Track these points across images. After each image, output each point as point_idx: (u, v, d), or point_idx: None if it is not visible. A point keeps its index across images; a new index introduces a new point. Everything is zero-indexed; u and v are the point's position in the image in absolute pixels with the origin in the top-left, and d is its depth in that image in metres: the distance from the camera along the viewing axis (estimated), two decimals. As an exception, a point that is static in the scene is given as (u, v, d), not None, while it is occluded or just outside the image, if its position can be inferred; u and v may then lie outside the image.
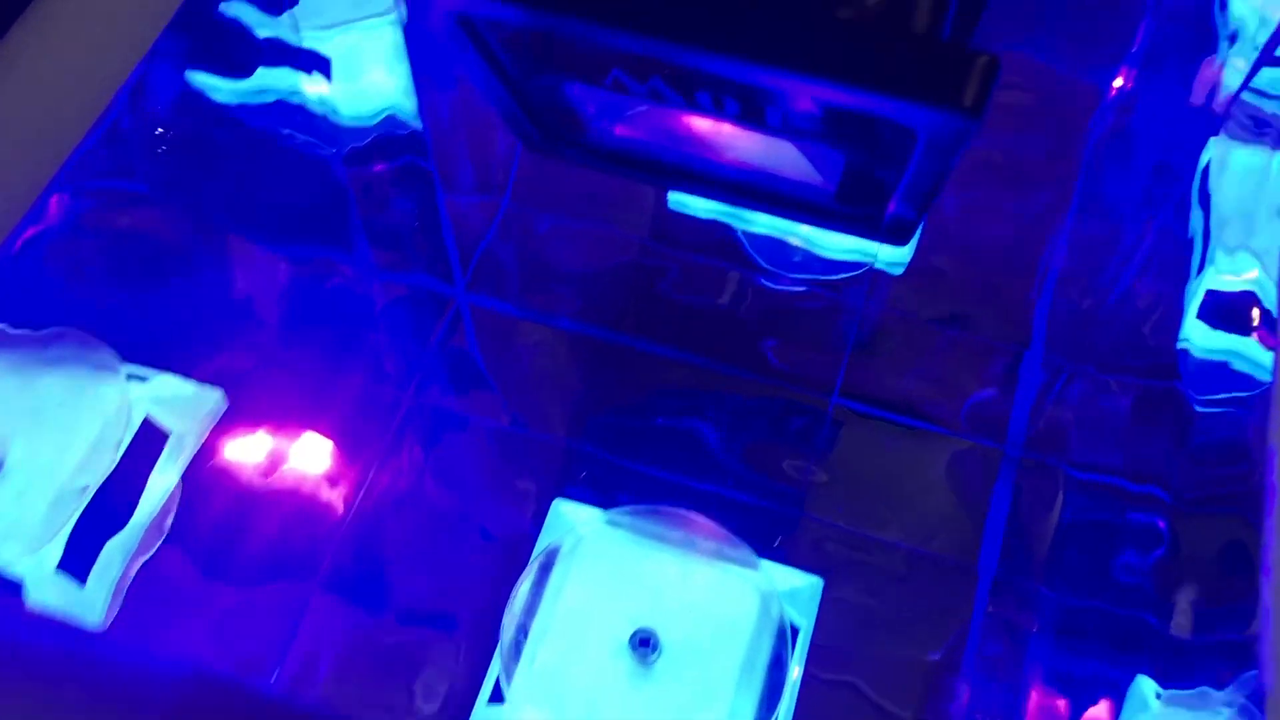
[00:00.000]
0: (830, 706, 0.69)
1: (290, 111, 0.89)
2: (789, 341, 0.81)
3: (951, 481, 0.77)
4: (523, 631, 0.67)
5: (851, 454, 0.79)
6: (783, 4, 0.36)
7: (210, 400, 0.77)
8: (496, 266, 0.85)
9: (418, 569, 0.75)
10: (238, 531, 0.75)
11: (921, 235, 0.78)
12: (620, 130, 0.53)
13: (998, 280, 0.82)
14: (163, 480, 0.73)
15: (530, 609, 0.67)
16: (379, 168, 0.85)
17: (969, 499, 0.76)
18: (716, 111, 0.47)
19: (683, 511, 0.70)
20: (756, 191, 0.52)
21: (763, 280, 0.83)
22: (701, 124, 0.50)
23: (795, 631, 0.69)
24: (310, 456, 0.78)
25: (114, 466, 0.71)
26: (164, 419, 0.74)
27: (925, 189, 0.44)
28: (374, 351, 0.83)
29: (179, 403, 0.75)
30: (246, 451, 0.78)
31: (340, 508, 0.76)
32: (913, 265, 0.81)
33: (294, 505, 0.76)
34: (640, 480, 0.77)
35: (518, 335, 0.84)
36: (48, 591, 0.66)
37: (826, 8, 0.36)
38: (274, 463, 0.78)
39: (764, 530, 0.76)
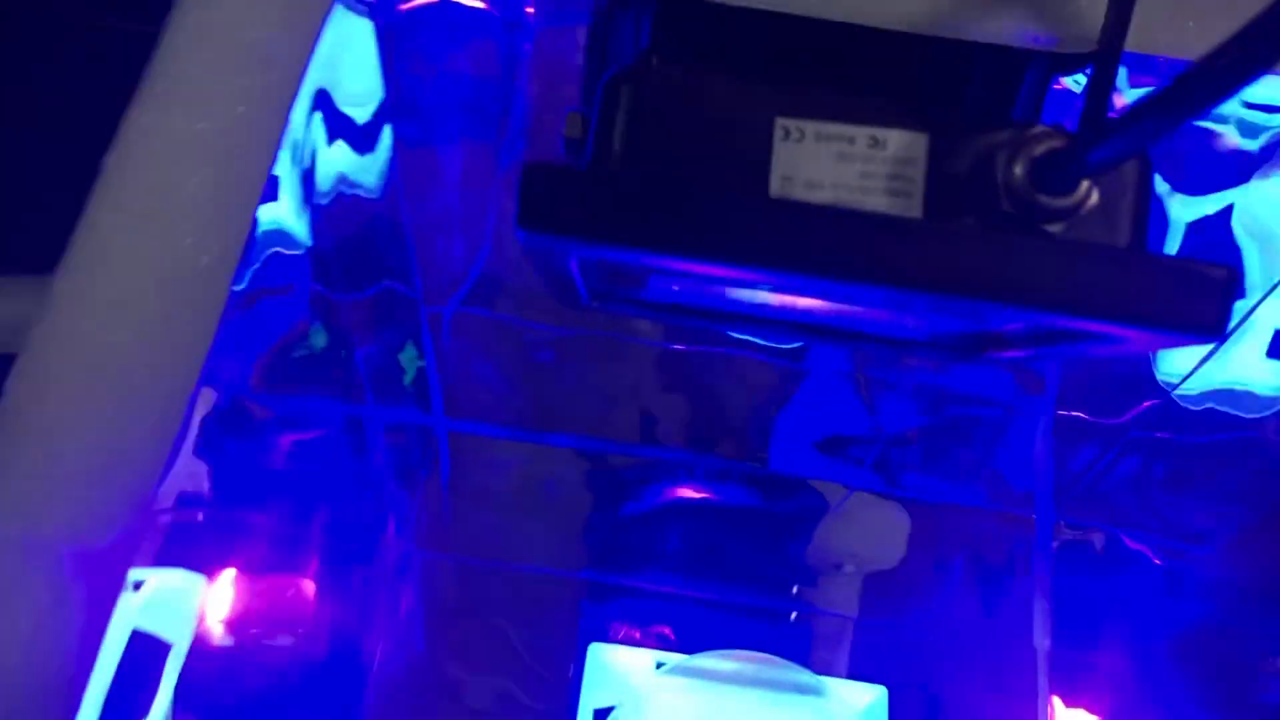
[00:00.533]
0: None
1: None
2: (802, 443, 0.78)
3: (985, 555, 0.76)
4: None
5: (867, 538, 0.77)
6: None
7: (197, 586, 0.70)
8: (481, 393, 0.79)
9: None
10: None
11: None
12: (678, 286, 0.49)
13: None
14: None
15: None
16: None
17: (1003, 569, 0.75)
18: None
19: (739, 652, 0.67)
20: (841, 331, 0.49)
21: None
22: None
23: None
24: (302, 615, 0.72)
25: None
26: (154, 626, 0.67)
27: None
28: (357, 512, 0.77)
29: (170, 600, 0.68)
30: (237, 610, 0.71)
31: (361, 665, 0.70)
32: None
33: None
34: (672, 605, 0.74)
35: (496, 472, 0.79)
36: None
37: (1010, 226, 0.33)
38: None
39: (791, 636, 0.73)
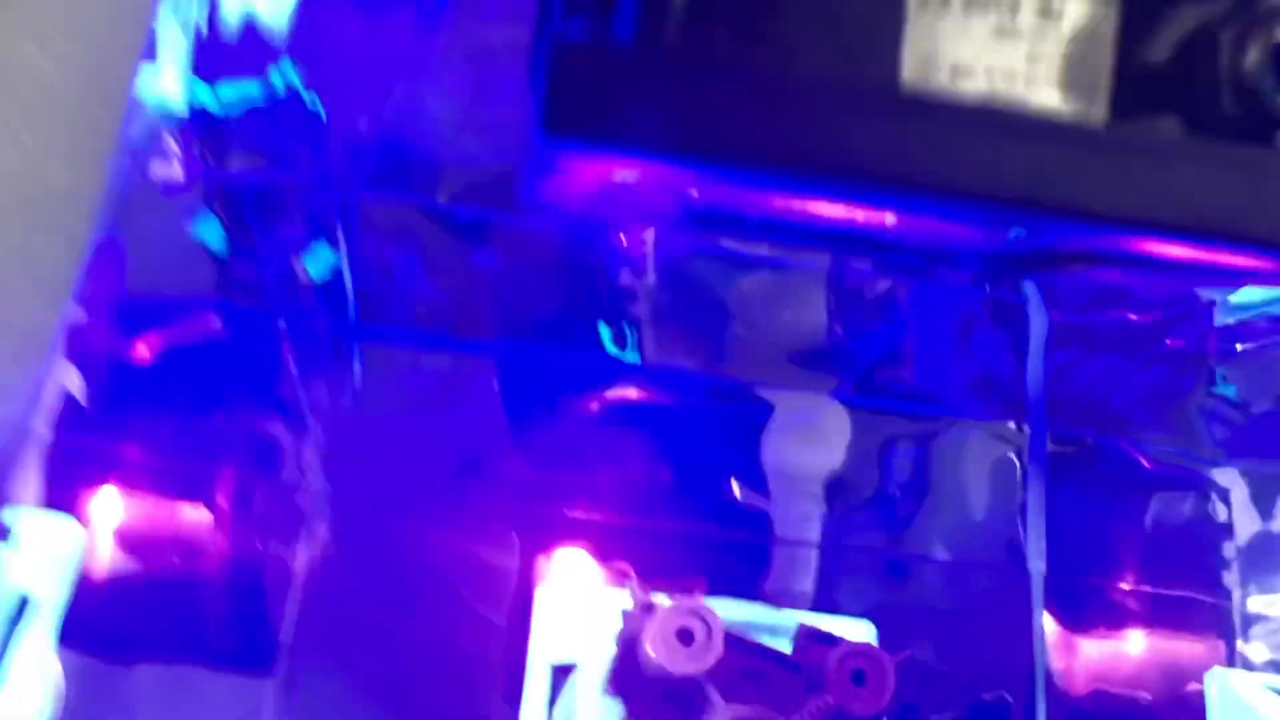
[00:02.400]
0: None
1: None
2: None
3: (966, 467, 0.70)
4: None
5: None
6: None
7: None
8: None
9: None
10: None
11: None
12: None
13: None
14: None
15: None
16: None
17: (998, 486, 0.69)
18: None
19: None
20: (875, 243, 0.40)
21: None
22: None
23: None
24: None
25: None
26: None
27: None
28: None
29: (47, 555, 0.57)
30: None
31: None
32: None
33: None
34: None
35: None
36: None
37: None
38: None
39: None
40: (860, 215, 0.33)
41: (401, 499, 0.64)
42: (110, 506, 0.63)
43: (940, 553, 0.68)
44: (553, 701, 0.53)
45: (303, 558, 0.64)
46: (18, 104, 0.36)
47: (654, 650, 0.44)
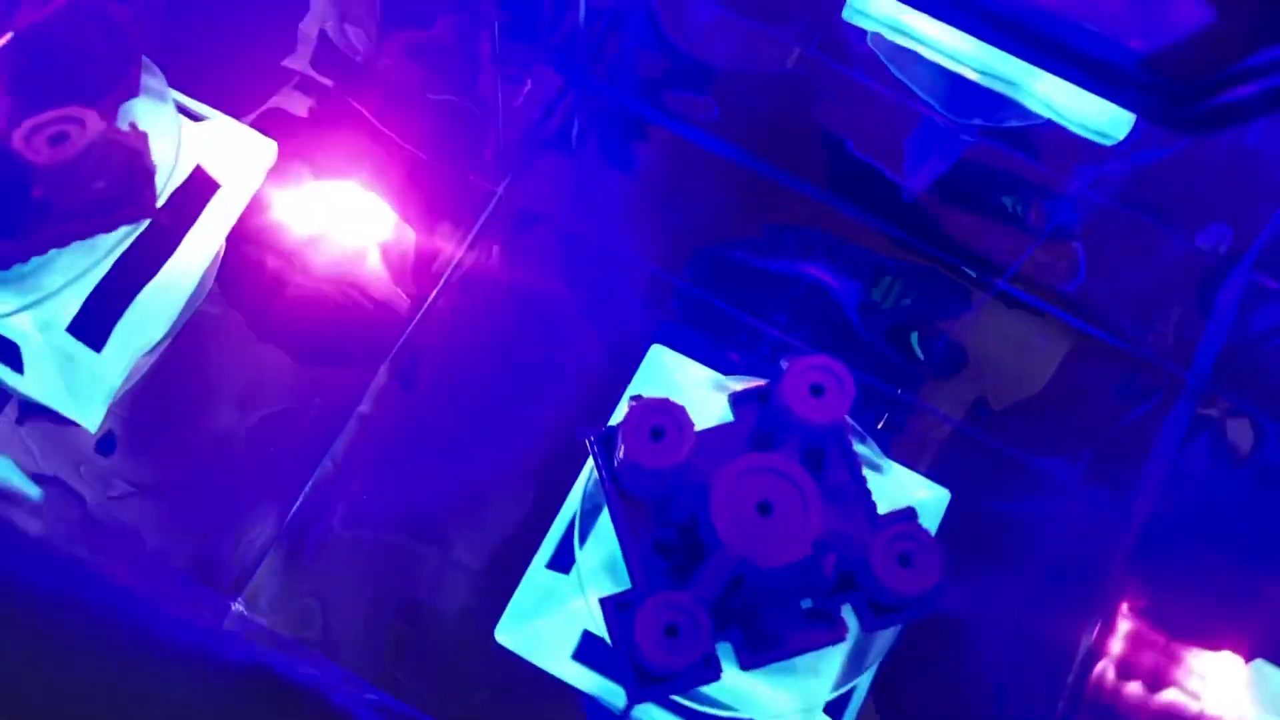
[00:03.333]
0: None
1: None
2: (962, 204, 0.67)
3: (1119, 404, 0.66)
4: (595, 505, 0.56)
5: (1004, 349, 0.67)
6: None
7: (267, 152, 0.64)
8: (629, 50, 0.71)
9: (484, 391, 0.65)
10: (286, 314, 0.65)
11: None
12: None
13: (1231, 186, 0.68)
14: (206, 242, 0.62)
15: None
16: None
17: (1133, 426, 0.65)
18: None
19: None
20: (1024, 30, 0.39)
21: (941, 124, 0.69)
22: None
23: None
24: (379, 231, 0.67)
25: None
26: (215, 169, 0.62)
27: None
28: (469, 125, 0.70)
29: (234, 151, 0.63)
30: (305, 215, 0.67)
31: (408, 300, 0.65)
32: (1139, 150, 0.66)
33: (357, 287, 0.66)
34: (747, 333, 0.66)
35: (636, 136, 0.71)
36: (47, 364, 0.55)
37: None
38: (336, 232, 0.67)
39: (876, 409, 0.65)
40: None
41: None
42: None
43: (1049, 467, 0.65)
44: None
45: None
46: None
47: (626, 446, 0.46)
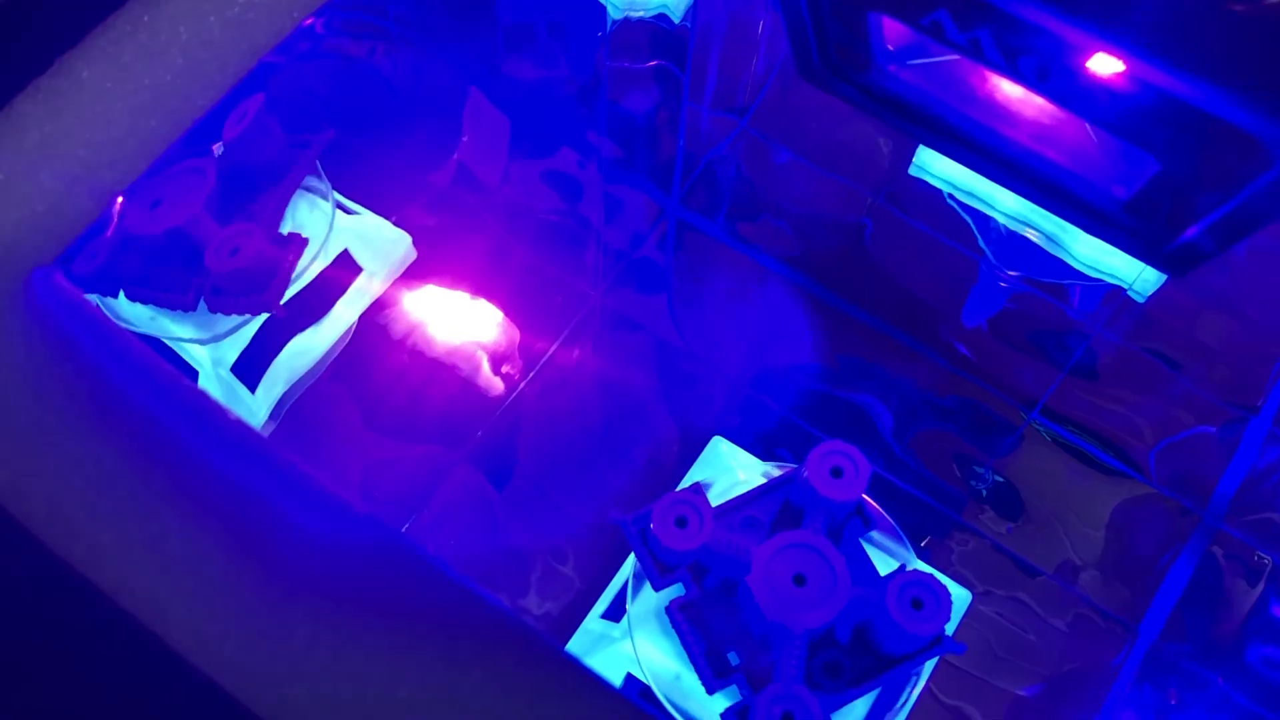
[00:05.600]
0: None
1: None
2: (1001, 342, 0.76)
3: (1134, 533, 0.72)
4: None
5: (1033, 476, 0.74)
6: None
7: (404, 247, 0.76)
8: (718, 187, 0.81)
9: (564, 466, 0.73)
10: (402, 384, 0.75)
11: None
12: (907, 76, 0.48)
13: (1244, 335, 0.75)
14: (345, 314, 0.73)
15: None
16: (635, 63, 0.82)
17: (1147, 556, 0.71)
18: (1037, 83, 0.42)
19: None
20: (1033, 177, 0.47)
21: (988, 271, 0.78)
22: (1003, 91, 0.46)
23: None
24: (489, 327, 0.78)
25: (302, 287, 0.71)
26: (360, 256, 0.74)
27: (1245, 224, 0.39)
28: (575, 241, 0.81)
29: (377, 244, 0.75)
30: (427, 308, 0.78)
31: (504, 385, 0.75)
32: (1157, 296, 0.75)
33: (460, 372, 0.76)
34: (801, 438, 0.74)
35: (718, 261, 0.81)
36: (217, 388, 0.67)
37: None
38: (451, 325, 0.78)
39: (917, 525, 0.72)
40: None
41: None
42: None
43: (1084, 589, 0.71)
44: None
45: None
46: None
47: (660, 534, 0.55)
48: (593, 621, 0.66)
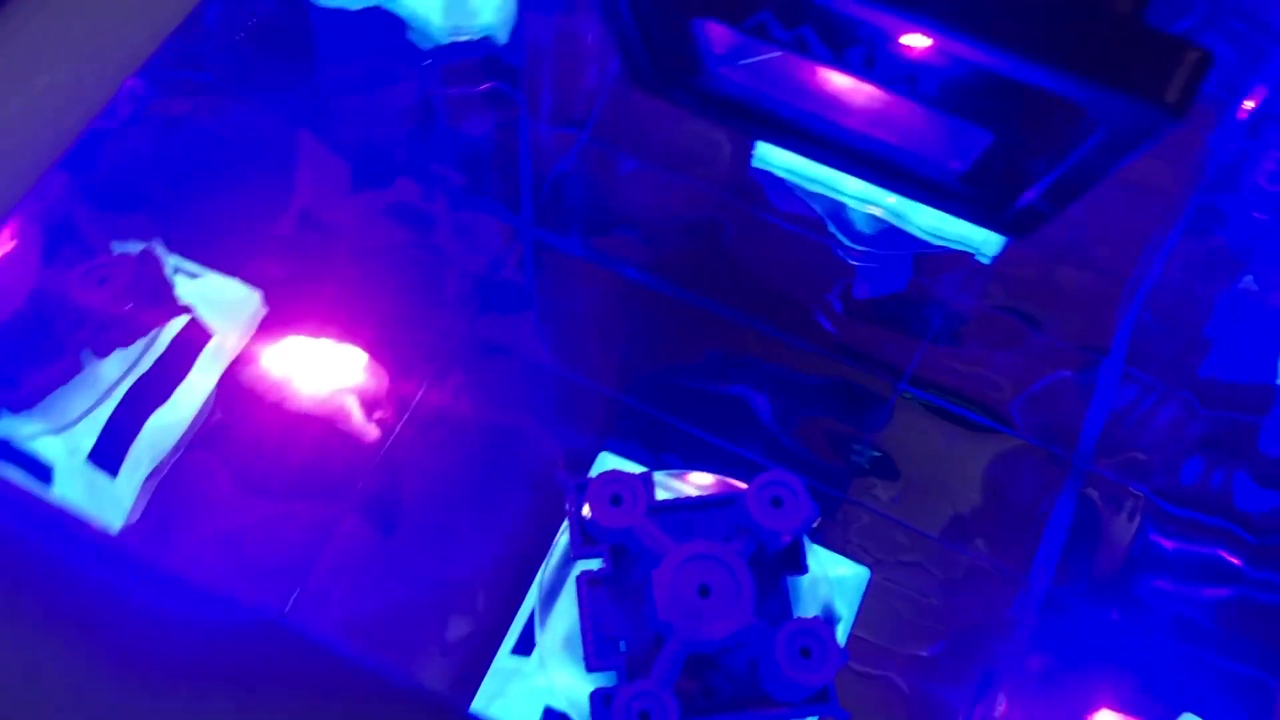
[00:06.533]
0: (862, 701, 0.67)
1: (386, 19, 0.85)
2: (861, 318, 0.77)
3: (1012, 486, 0.74)
4: (559, 584, 0.64)
5: (910, 443, 0.76)
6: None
7: (254, 304, 0.74)
8: (568, 203, 0.81)
9: (451, 506, 0.72)
10: (272, 444, 0.73)
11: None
12: (738, 77, 0.49)
13: (1090, 283, 0.79)
14: (202, 382, 0.70)
15: (568, 562, 0.65)
16: (466, 88, 0.81)
17: (1027, 506, 0.73)
18: (865, 71, 0.43)
19: (733, 480, 0.67)
20: (872, 160, 0.49)
21: (840, 252, 0.80)
22: (834, 82, 0.47)
23: (837, 620, 0.67)
24: (353, 373, 0.76)
25: (154, 361, 0.68)
26: (209, 318, 0.71)
27: (1077, 185, 0.41)
28: (432, 273, 0.80)
29: (225, 304, 0.73)
30: (288, 361, 0.75)
31: (379, 431, 0.73)
32: (1002, 256, 0.77)
33: (332, 423, 0.74)
34: (686, 441, 0.74)
35: (578, 276, 0.81)
36: (76, 482, 0.63)
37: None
38: (315, 376, 0.75)
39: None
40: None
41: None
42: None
43: (981, 547, 0.73)
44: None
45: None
46: None
47: (592, 505, 0.55)
48: (503, 659, 0.65)
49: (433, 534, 0.71)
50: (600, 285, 0.80)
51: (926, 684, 0.67)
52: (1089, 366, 0.77)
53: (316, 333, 0.76)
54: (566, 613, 0.63)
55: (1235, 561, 0.69)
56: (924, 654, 0.69)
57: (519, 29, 0.84)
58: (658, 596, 0.54)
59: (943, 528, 0.73)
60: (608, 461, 0.72)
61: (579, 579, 0.55)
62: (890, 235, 0.78)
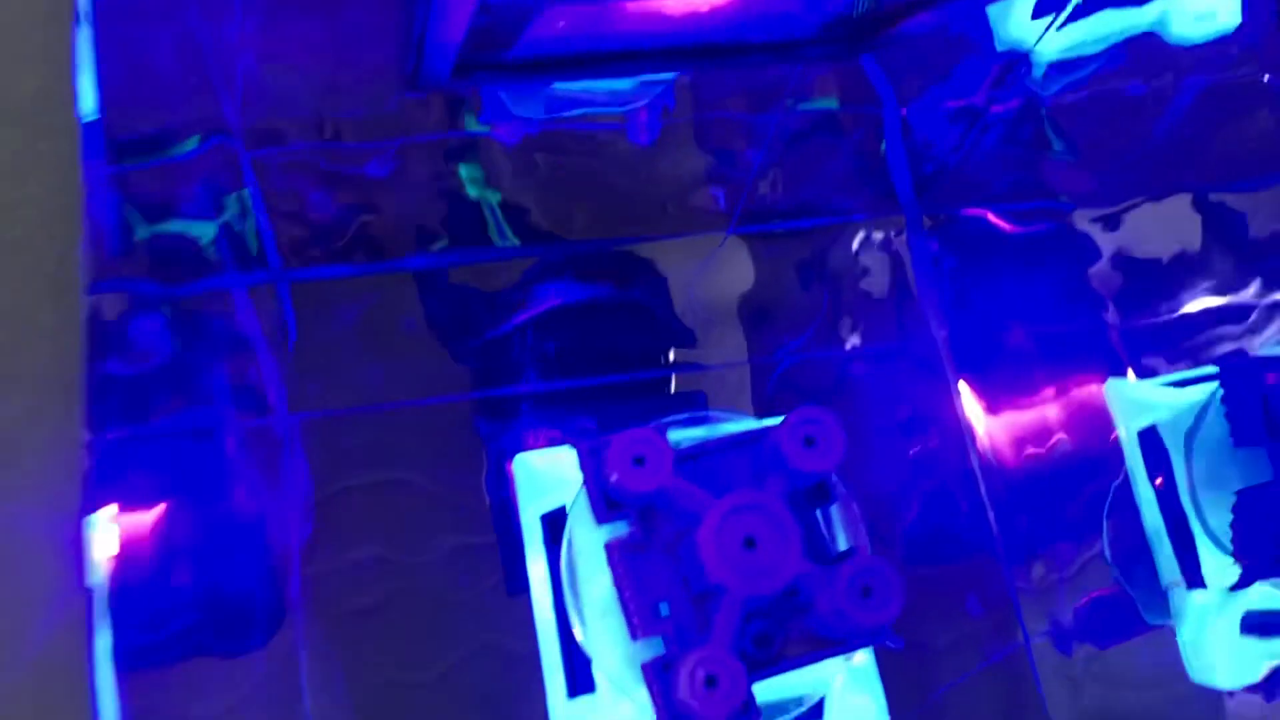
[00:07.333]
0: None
1: None
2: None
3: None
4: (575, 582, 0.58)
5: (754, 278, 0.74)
6: None
7: None
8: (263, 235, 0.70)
9: (401, 624, 0.64)
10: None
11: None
12: (553, 32, 0.42)
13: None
14: None
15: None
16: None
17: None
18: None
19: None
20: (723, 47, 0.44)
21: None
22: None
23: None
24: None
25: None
26: None
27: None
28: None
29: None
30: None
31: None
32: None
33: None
34: (587, 400, 0.70)
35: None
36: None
37: None
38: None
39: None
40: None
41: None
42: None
43: (856, 342, 0.73)
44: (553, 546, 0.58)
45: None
46: None
47: (617, 471, 0.50)
48: (559, 710, 0.60)
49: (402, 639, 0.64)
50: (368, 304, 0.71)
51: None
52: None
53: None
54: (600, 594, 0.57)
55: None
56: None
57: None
58: (705, 559, 0.50)
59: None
60: (530, 464, 0.65)
61: (608, 548, 0.51)
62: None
